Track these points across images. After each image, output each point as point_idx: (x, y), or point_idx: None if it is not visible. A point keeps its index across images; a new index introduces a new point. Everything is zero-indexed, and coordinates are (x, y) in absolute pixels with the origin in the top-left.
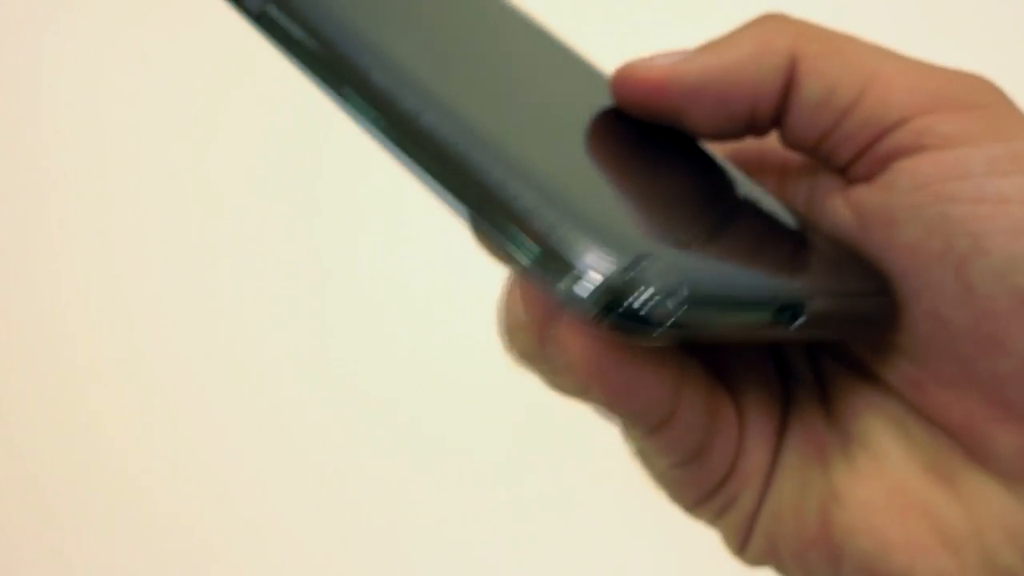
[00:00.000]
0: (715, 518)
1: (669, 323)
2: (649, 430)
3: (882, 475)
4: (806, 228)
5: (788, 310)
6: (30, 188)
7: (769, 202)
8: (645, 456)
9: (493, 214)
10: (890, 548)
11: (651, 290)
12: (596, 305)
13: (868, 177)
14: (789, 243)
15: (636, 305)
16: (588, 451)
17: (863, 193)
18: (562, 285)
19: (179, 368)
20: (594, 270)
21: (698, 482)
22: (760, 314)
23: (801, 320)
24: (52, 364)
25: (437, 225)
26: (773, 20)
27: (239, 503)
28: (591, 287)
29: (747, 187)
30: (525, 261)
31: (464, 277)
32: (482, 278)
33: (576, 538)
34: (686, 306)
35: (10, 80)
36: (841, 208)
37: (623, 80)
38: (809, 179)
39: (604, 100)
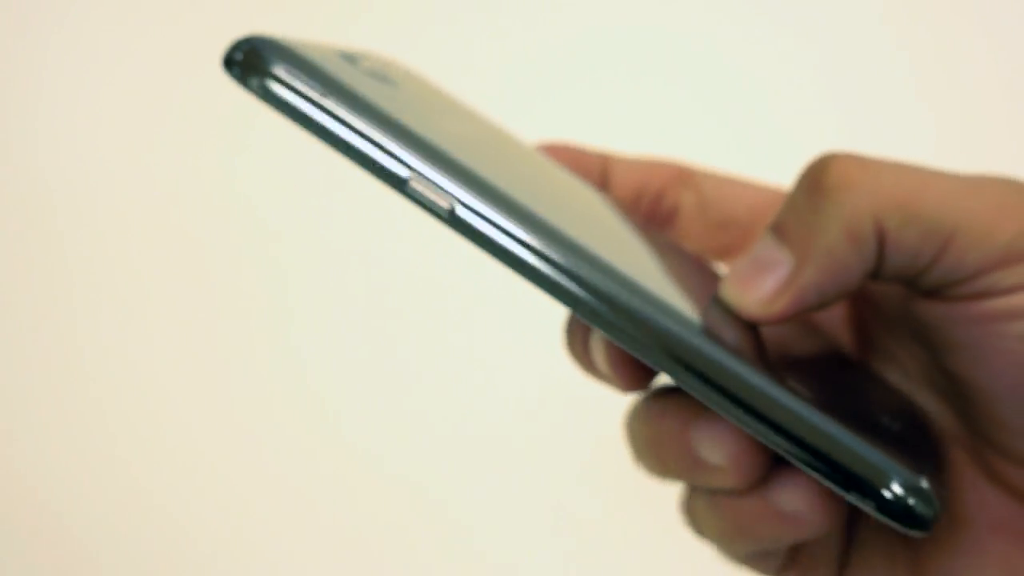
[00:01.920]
0: None
1: (921, 522)
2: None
3: (969, 546)
4: (891, 389)
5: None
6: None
7: (866, 373)
8: (726, 547)
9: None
10: None
11: (919, 497)
12: (896, 515)
13: (942, 299)
14: (902, 413)
15: (908, 509)
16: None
17: (938, 310)
18: (868, 498)
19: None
20: (895, 487)
21: (772, 563)
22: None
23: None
24: (51, 365)
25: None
26: (849, 192)
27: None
28: (901, 502)
29: (856, 367)
30: (834, 481)
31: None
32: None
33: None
34: (934, 504)
35: (10, 81)
36: (916, 314)
37: (749, 315)
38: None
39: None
